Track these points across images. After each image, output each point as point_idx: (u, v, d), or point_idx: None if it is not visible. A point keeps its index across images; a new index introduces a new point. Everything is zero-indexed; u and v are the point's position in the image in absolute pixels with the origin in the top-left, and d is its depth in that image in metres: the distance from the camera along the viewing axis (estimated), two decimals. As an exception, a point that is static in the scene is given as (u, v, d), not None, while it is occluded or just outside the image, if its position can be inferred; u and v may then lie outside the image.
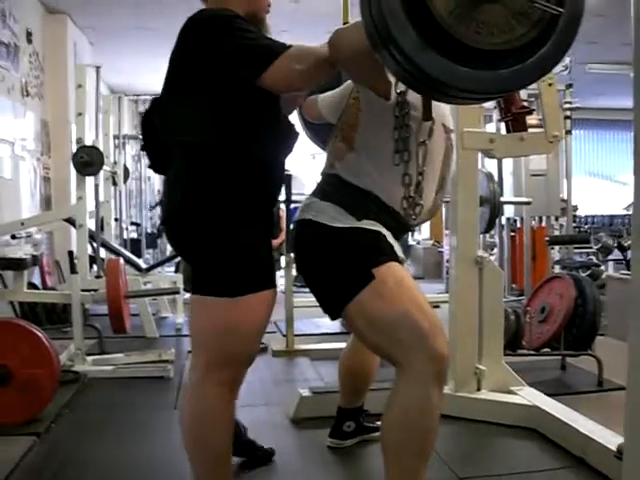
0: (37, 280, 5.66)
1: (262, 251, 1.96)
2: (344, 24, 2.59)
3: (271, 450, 2.73)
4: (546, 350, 3.94)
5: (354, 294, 1.91)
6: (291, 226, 2.33)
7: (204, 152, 1.87)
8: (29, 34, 6.60)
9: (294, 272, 4.03)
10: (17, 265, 4.22)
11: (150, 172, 11.26)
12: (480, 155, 3.32)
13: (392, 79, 1.84)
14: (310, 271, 2.09)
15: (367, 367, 2.60)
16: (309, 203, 2.11)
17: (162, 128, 1.98)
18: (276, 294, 2.01)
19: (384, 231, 2.01)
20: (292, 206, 4.41)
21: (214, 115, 1.85)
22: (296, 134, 2.07)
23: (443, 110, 2.08)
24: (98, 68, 5.10)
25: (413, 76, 1.47)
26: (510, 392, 3.15)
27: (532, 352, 3.91)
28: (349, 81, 2.17)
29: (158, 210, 11.23)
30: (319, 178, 2.22)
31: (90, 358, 4.14)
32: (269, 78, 1.74)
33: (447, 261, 7.28)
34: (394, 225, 2.05)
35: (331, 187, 2.10)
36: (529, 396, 3.08)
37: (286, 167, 2.11)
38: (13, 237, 5.05)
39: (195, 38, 1.84)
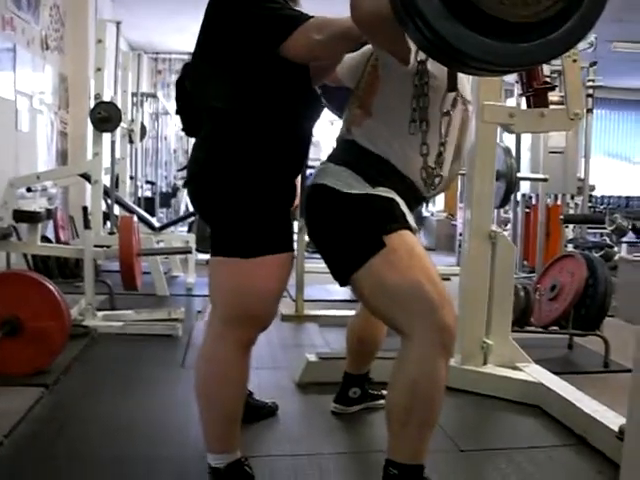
0: (51, 234, 5.69)
1: (280, 215, 1.99)
2: None
3: (274, 405, 2.80)
4: (554, 328, 3.93)
5: (364, 261, 1.90)
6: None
7: (230, 118, 1.90)
8: (51, -14, 6.56)
9: (306, 237, 4.03)
10: (31, 218, 4.24)
11: (167, 131, 11.26)
12: (499, 129, 3.29)
13: (412, 45, 1.82)
14: (321, 236, 2.09)
15: (375, 334, 2.61)
16: (324, 168, 2.10)
17: (193, 93, 2.02)
18: (293, 258, 2.04)
19: (398, 199, 1.99)
20: (308, 171, 4.40)
21: (240, 83, 1.86)
22: (322, 105, 2.08)
23: (461, 80, 2.06)
24: (118, 24, 5.06)
25: (435, 46, 1.45)
26: (516, 368, 3.16)
27: (540, 329, 3.91)
28: (368, 45, 2.14)
29: (173, 169, 11.25)
30: (335, 143, 2.21)
31: (100, 313, 4.18)
32: (290, 47, 1.76)
33: (460, 234, 7.27)
34: (409, 195, 2.04)
35: (347, 153, 2.09)
36: (534, 373, 3.09)
37: (312, 137, 2.11)
38: (29, 190, 5.08)
39: (222, 5, 1.87)
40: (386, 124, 2.02)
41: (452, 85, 1.79)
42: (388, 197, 1.98)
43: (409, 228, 1.99)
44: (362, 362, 2.75)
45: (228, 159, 1.91)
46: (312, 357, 3.22)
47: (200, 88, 1.98)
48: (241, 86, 1.86)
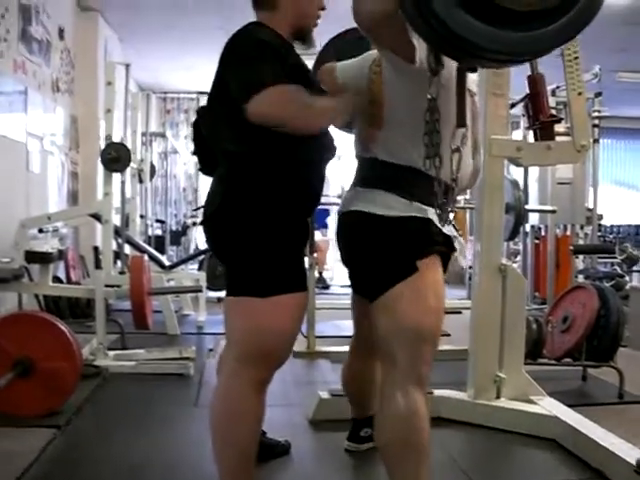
0: (62, 274, 5.72)
1: (294, 255, 2.01)
2: None
3: (287, 443, 2.78)
4: (567, 360, 3.91)
5: (396, 282, 1.96)
6: (333, 220, 2.36)
7: (243, 160, 1.94)
8: (61, 31, 6.68)
9: (316, 274, 4.05)
10: (43, 259, 4.27)
11: (176, 170, 11.35)
12: (506, 162, 3.31)
13: (416, 43, 1.84)
14: (357, 259, 2.13)
15: (369, 377, 2.57)
16: (354, 194, 2.14)
17: (207, 134, 2.07)
18: (307, 298, 2.05)
19: (432, 215, 2.00)
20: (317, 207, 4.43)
21: (247, 128, 1.87)
22: (334, 148, 2.10)
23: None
24: (128, 66, 5.15)
25: (442, 37, 1.46)
26: (530, 401, 3.13)
27: (553, 362, 3.89)
28: (369, 52, 2.16)
29: (182, 208, 11.31)
30: (357, 164, 2.23)
31: (112, 353, 4.18)
32: (250, 110, 1.79)
33: (470, 267, 7.25)
34: (438, 202, 2.03)
35: (371, 171, 2.11)
36: (549, 406, 3.07)
37: (325, 176, 2.14)
38: (40, 231, 5.11)
39: (223, 55, 1.93)
40: (400, 132, 2.03)
41: (461, 120, 1.81)
42: (424, 218, 1.99)
43: (443, 248, 2.04)
44: (364, 406, 2.70)
45: (243, 200, 1.94)
46: (324, 394, 3.21)
47: (214, 130, 2.02)
48: (250, 130, 1.88)
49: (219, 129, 1.99)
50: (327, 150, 2.07)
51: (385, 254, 2.01)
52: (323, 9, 2.09)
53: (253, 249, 1.94)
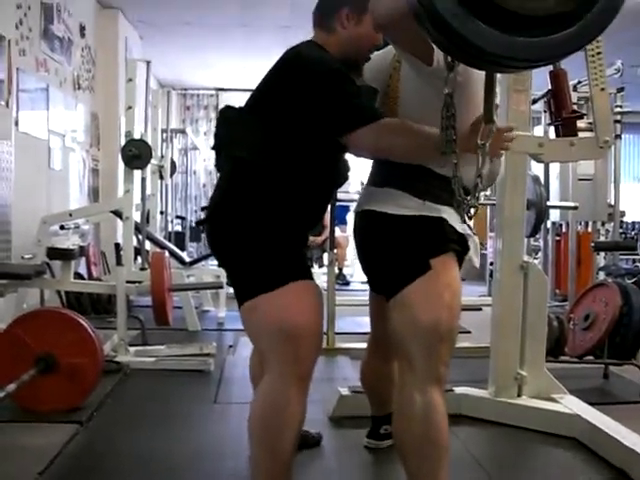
0: (83, 270, 5.76)
1: (293, 253, 1.99)
2: None
3: (318, 435, 2.84)
4: (589, 358, 3.88)
5: (411, 281, 1.96)
6: (351, 218, 2.37)
7: (251, 168, 1.94)
8: (82, 28, 6.73)
9: (336, 269, 4.04)
10: (65, 255, 4.30)
11: (196, 166, 11.38)
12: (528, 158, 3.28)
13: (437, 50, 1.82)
14: (373, 257, 2.15)
15: (387, 373, 2.54)
16: (368, 193, 2.15)
17: (225, 136, 2.05)
18: (318, 287, 2.03)
19: (446, 214, 1.99)
20: (337, 204, 4.42)
21: (278, 143, 1.90)
22: (347, 175, 2.14)
23: None
24: (148, 63, 5.16)
25: (455, 44, 1.44)
26: (551, 399, 3.11)
27: (574, 359, 3.86)
28: (391, 47, 2.15)
29: (202, 204, 11.35)
30: (371, 163, 2.23)
31: (133, 349, 4.20)
32: (355, 140, 1.84)
33: (490, 264, 7.22)
34: (456, 200, 2.02)
35: (385, 170, 2.11)
36: (570, 404, 3.04)
37: (330, 201, 2.18)
38: (62, 227, 5.15)
39: (292, 77, 1.91)
40: None
41: (489, 117, 1.79)
42: (437, 217, 1.99)
43: (457, 246, 2.03)
44: (383, 404, 2.69)
45: (243, 204, 1.94)
46: (344, 391, 3.21)
47: (234, 134, 2.01)
48: (277, 146, 1.90)
49: (239, 135, 1.98)
50: (340, 176, 2.11)
51: (398, 253, 2.02)
52: (377, 47, 2.09)
53: (250, 246, 1.92)
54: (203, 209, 9.42)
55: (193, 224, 8.96)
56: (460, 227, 2.03)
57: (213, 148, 2.15)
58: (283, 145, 1.91)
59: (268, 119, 1.91)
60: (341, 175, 2.11)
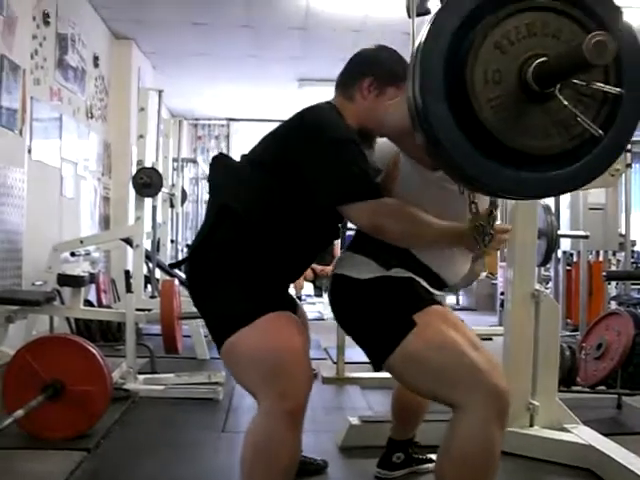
0: (93, 297, 5.77)
1: (272, 291, 1.98)
2: None
3: (323, 462, 2.81)
4: (602, 388, 3.84)
5: (397, 343, 1.87)
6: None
7: (238, 220, 1.93)
8: (96, 58, 6.81)
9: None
10: (75, 282, 4.30)
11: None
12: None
13: None
14: (350, 325, 2.08)
15: (419, 399, 2.54)
16: (343, 257, 2.14)
17: (215, 181, 2.07)
18: (299, 320, 2.01)
19: (415, 277, 1.97)
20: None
21: (276, 206, 1.91)
22: (336, 236, 2.19)
23: None
24: (160, 92, 5.21)
25: (456, 174, 1.46)
26: (564, 430, 3.07)
27: (587, 389, 3.82)
28: None
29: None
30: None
31: (141, 377, 4.18)
32: (351, 212, 1.83)
33: (501, 293, 7.18)
34: (430, 280, 2.01)
35: (363, 238, 2.06)
36: (584, 435, 3.00)
37: (312, 259, 2.16)
38: (72, 254, 5.17)
39: (300, 137, 1.91)
40: None
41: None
42: (405, 277, 1.96)
43: (435, 302, 1.98)
44: (408, 428, 2.67)
45: (221, 254, 1.95)
46: (355, 420, 3.17)
47: (227, 181, 2.02)
48: (268, 203, 1.92)
49: (233, 184, 2.00)
50: (331, 237, 2.14)
51: (377, 316, 1.96)
52: None
53: (227, 285, 1.92)
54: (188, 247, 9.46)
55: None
56: (433, 291, 2.01)
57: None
58: (281, 208, 1.91)
59: (272, 179, 1.91)
60: (332, 236, 2.13)
